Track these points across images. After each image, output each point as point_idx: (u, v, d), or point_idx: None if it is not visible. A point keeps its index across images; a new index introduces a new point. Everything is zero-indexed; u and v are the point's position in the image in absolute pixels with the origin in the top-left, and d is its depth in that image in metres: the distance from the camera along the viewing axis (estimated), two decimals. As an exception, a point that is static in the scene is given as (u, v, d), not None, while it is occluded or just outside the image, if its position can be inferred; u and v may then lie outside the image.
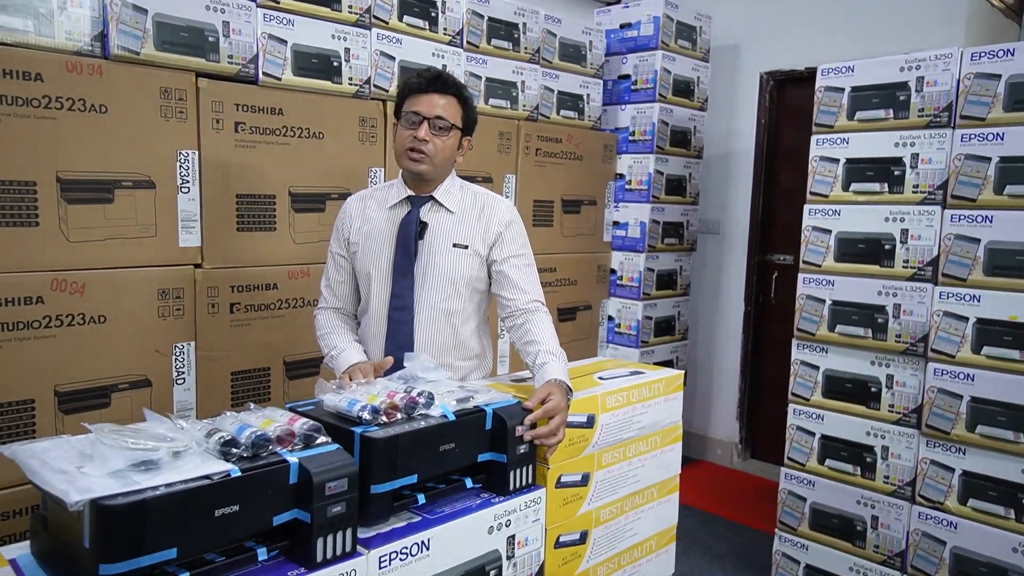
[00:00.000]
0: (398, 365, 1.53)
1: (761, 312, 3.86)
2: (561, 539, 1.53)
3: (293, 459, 1.06)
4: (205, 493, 0.97)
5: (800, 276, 2.46)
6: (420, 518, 1.24)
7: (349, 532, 1.09)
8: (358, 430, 1.19)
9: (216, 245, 2.14)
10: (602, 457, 1.62)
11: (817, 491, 2.42)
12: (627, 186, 3.53)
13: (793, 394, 2.49)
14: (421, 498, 1.27)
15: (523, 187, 3.08)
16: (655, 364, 2.80)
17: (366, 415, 1.21)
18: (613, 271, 3.58)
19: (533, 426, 1.39)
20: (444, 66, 2.72)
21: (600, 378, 1.73)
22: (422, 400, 1.29)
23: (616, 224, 3.56)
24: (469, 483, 1.35)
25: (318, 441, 1.12)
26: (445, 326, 1.69)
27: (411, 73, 1.70)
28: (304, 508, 1.06)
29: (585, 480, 1.58)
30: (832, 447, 2.39)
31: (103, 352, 1.95)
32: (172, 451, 1.02)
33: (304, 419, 1.14)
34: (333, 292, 1.78)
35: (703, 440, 4.00)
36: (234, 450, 1.04)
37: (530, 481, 1.40)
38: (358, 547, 1.12)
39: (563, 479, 1.51)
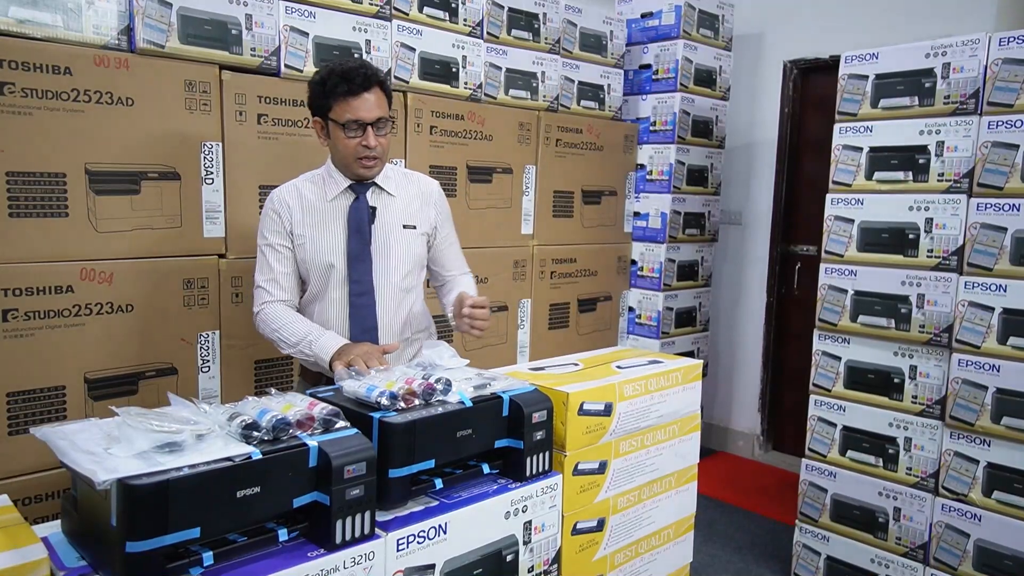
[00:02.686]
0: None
1: (783, 304, 3.84)
2: (578, 526, 1.54)
3: (313, 443, 1.08)
4: (227, 474, 0.99)
5: (822, 266, 2.44)
6: (438, 502, 1.26)
7: (367, 515, 1.11)
8: (376, 415, 1.21)
9: (240, 235, 2.18)
10: (620, 445, 1.63)
11: (839, 482, 2.41)
12: (648, 176, 3.52)
13: (815, 385, 2.47)
14: (439, 483, 1.28)
15: (543, 178, 3.08)
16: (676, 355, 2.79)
17: (384, 401, 1.23)
18: (634, 262, 3.57)
19: (549, 432, 1.41)
20: (464, 57, 2.73)
21: (618, 367, 1.74)
22: (440, 387, 1.31)
23: (637, 215, 3.55)
24: (486, 469, 1.36)
25: (337, 426, 1.14)
26: (403, 304, 1.79)
27: (327, 69, 1.67)
28: (323, 491, 1.08)
29: (603, 468, 1.59)
30: (854, 438, 2.38)
31: (131, 340, 1.99)
32: (195, 434, 1.04)
33: (324, 404, 1.16)
34: (279, 285, 1.76)
35: (725, 432, 3.99)
36: (255, 433, 1.06)
37: (547, 467, 1.41)
38: (376, 530, 1.14)
39: (580, 466, 1.52)
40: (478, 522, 1.28)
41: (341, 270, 1.73)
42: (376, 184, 1.76)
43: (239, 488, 1.00)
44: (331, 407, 1.16)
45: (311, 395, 1.34)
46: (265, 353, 2.25)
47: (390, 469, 1.19)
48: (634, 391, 1.65)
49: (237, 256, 2.18)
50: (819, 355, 2.46)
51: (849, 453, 2.39)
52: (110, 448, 1.00)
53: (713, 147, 3.62)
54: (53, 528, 1.11)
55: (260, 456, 1.02)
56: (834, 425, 2.42)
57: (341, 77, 1.63)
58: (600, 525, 1.59)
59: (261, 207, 2.21)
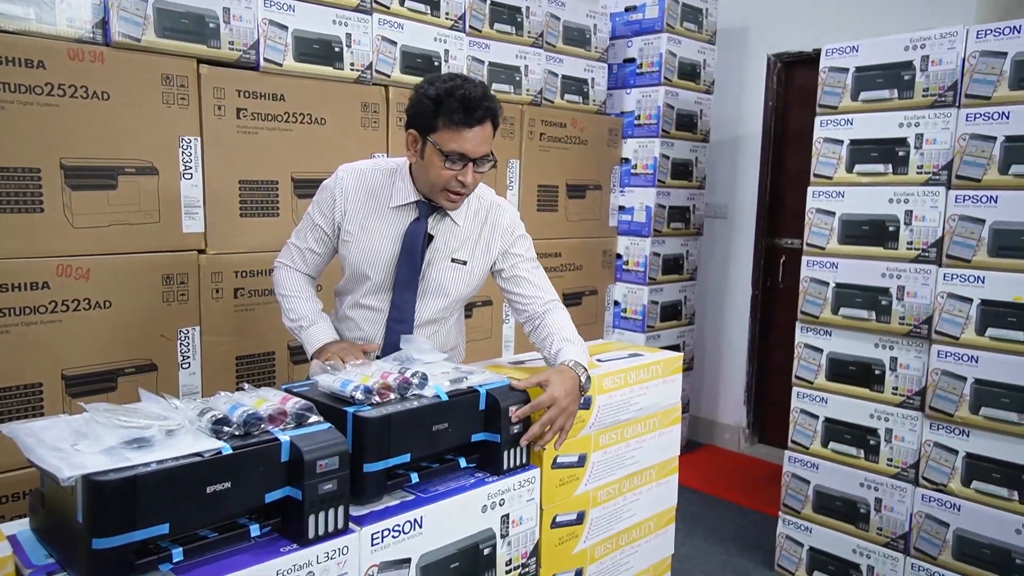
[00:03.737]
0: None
1: (769, 297, 3.85)
2: (558, 519, 1.54)
3: (285, 437, 1.08)
4: (196, 470, 0.98)
5: (804, 259, 2.45)
6: (413, 496, 1.26)
7: (341, 509, 1.11)
8: (351, 410, 1.20)
9: (219, 231, 2.16)
10: (599, 438, 1.63)
11: (821, 474, 2.42)
12: (632, 170, 3.52)
13: (797, 377, 2.49)
14: (414, 477, 1.28)
15: (527, 172, 3.08)
16: (661, 349, 2.79)
17: (359, 395, 1.23)
18: (619, 256, 3.57)
19: (527, 426, 1.39)
20: (446, 51, 2.72)
21: (599, 360, 1.73)
22: (415, 380, 1.30)
23: (622, 209, 3.55)
24: (463, 463, 1.36)
25: (310, 420, 1.14)
26: (429, 331, 1.69)
27: (445, 88, 1.47)
28: (296, 485, 1.07)
29: (582, 461, 1.59)
30: (836, 430, 2.39)
31: (109, 337, 1.98)
32: (165, 429, 1.03)
33: (296, 399, 1.15)
34: (304, 259, 1.69)
35: (711, 425, 4.00)
36: (226, 428, 1.05)
37: (524, 461, 1.41)
38: (351, 524, 1.13)
39: (559, 460, 1.52)
40: (455, 516, 1.28)
41: (383, 290, 1.64)
42: (443, 210, 1.62)
43: (209, 483, 1.00)
44: (304, 402, 1.15)
45: (285, 390, 1.33)
46: (246, 348, 2.24)
47: (365, 463, 1.19)
48: (613, 384, 1.65)
49: (217, 252, 2.16)
50: (801, 347, 2.47)
51: (831, 445, 2.40)
52: (77, 444, 0.99)
53: (698, 141, 3.62)
54: (22, 526, 1.10)
55: (230, 451, 1.02)
56: (816, 417, 2.43)
57: (461, 103, 1.44)
58: (580, 518, 1.60)
59: (241, 202, 2.21)
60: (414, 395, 1.29)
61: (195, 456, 0.99)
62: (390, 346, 1.62)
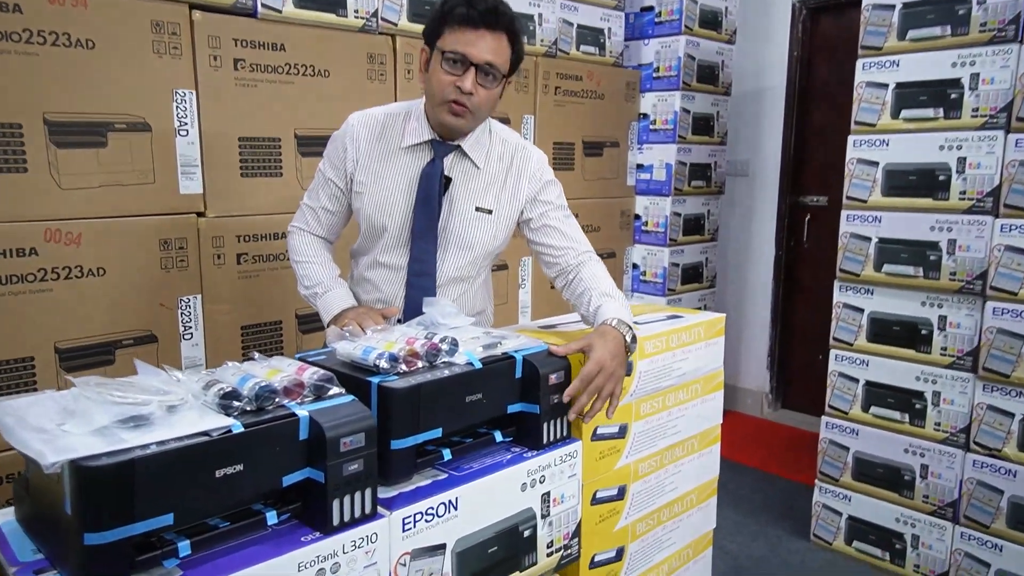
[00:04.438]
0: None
1: (793, 257, 3.70)
2: (598, 495, 1.41)
3: (303, 412, 0.94)
4: (203, 451, 0.85)
5: (843, 213, 2.29)
6: (446, 475, 1.13)
7: (368, 492, 0.97)
8: (375, 380, 1.06)
9: (219, 192, 2.01)
10: (640, 407, 1.49)
11: (861, 440, 2.30)
12: (651, 126, 3.35)
13: (835, 339, 2.35)
14: (447, 453, 1.15)
15: (542, 128, 2.91)
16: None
17: (383, 363, 1.09)
18: (637, 216, 3.42)
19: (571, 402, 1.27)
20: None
21: (637, 323, 1.59)
22: (445, 347, 1.16)
23: (640, 167, 3.39)
24: (499, 436, 1.23)
25: (331, 392, 1.00)
26: (455, 291, 1.54)
27: None
28: (317, 467, 0.94)
29: (623, 432, 1.46)
30: (878, 394, 2.26)
31: (104, 306, 1.84)
32: (166, 405, 0.90)
33: (315, 368, 1.02)
34: (317, 219, 1.55)
35: (733, 390, 3.88)
36: (236, 403, 0.92)
37: (565, 434, 1.27)
38: (379, 508, 1.00)
39: (599, 431, 1.39)
40: (492, 495, 1.14)
41: (401, 242, 1.49)
42: (461, 148, 1.48)
43: (218, 466, 0.86)
44: (323, 371, 1.01)
45: (300, 359, 1.19)
46: (252, 318, 2.11)
47: (392, 440, 1.06)
48: (655, 348, 1.51)
49: (218, 214, 2.01)
50: (840, 307, 2.33)
51: (872, 409, 2.27)
52: (64, 424, 0.85)
53: (719, 94, 3.44)
54: (7, 516, 0.97)
55: (242, 429, 0.88)
56: (856, 380, 2.30)
57: (466, 2, 1.34)
58: (621, 493, 1.47)
59: (242, 161, 2.05)
60: (444, 363, 1.15)
61: (202, 436, 0.85)
62: (412, 309, 1.48)
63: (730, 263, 3.85)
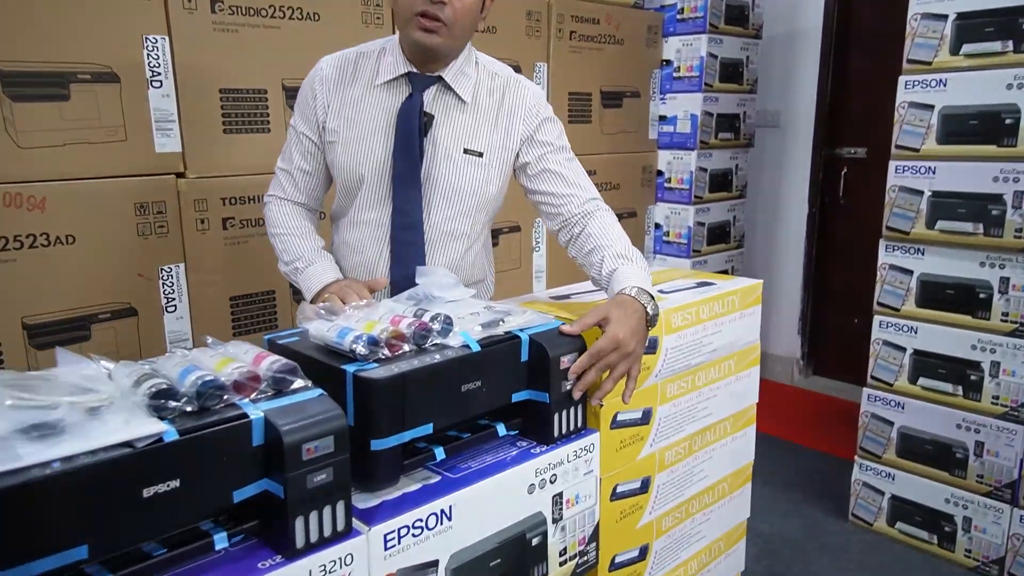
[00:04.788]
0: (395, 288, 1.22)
1: (827, 215, 3.46)
2: (619, 489, 1.24)
3: (257, 413, 0.77)
4: (126, 467, 0.68)
5: (892, 164, 2.06)
6: (439, 478, 0.96)
7: (340, 507, 0.81)
8: (351, 368, 0.89)
9: (200, 150, 1.83)
10: (666, 388, 1.31)
11: (908, 414, 2.10)
12: (675, 74, 3.09)
13: (880, 304, 2.14)
14: (440, 452, 0.98)
15: (556, 78, 2.68)
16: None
17: (361, 348, 0.91)
18: (660, 173, 3.19)
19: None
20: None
21: (661, 292, 1.40)
22: (436, 327, 0.98)
23: (663, 119, 3.15)
24: (502, 430, 1.05)
25: (294, 386, 0.83)
26: (449, 250, 1.34)
27: None
28: (275, 478, 0.77)
29: (647, 417, 1.28)
30: (927, 364, 2.05)
31: (76, 278, 1.68)
32: (85, 407, 0.73)
33: (275, 358, 0.84)
34: (293, 182, 1.37)
35: (762, 357, 3.68)
36: (171, 403, 0.74)
37: (580, 424, 1.09)
38: (355, 523, 0.84)
39: (620, 418, 1.21)
40: (494, 500, 0.97)
41: (382, 192, 1.29)
42: (443, 81, 1.28)
43: (146, 484, 0.70)
44: (285, 361, 0.84)
45: (269, 341, 1.02)
46: (241, 288, 1.94)
47: (372, 440, 0.89)
48: (683, 321, 1.32)
49: (199, 175, 1.83)
50: (886, 269, 2.11)
51: (921, 381, 2.07)
52: (-49, 434, 0.69)
53: (749, 36, 3.17)
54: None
55: (176, 436, 0.71)
56: (903, 349, 2.09)
57: None
58: (644, 486, 1.30)
59: (224, 115, 1.87)
60: (435, 345, 0.97)
61: (123, 448, 0.68)
62: (401, 279, 1.30)
63: (759, 222, 3.62)
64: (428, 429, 0.94)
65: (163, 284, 1.81)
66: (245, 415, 0.77)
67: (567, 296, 1.44)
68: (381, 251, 1.32)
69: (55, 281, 1.65)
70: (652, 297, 1.16)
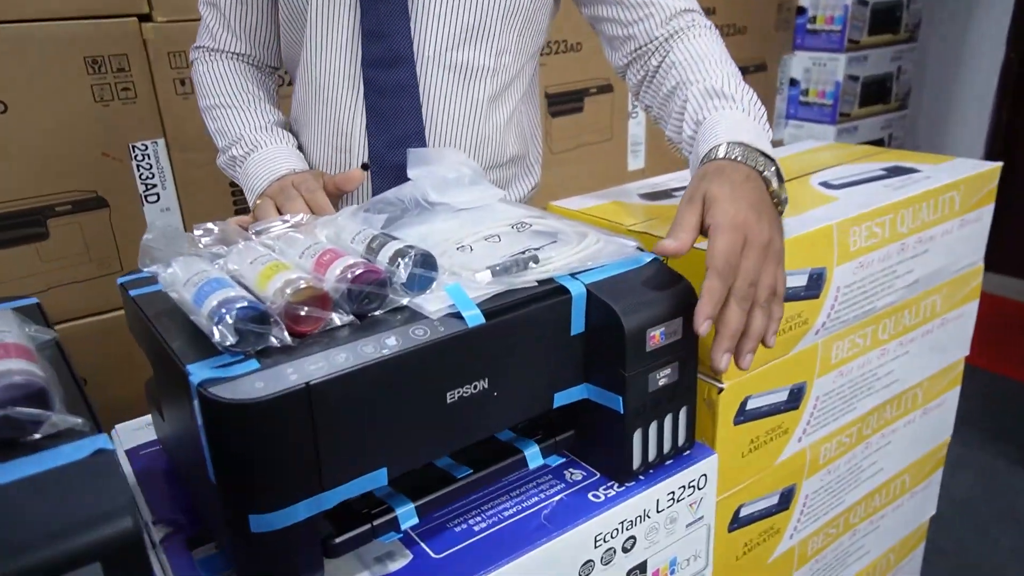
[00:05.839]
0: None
1: (1028, 61, 2.62)
2: (743, 513, 0.76)
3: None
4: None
5: None
6: (406, 560, 0.51)
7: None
8: (199, 373, 0.43)
9: (169, -19, 1.35)
10: (831, 350, 0.79)
11: None
12: None
13: None
14: (406, 518, 0.51)
15: None
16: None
17: (225, 331, 0.44)
18: (802, 10, 2.45)
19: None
20: None
21: (824, 184, 0.85)
22: (402, 272, 0.50)
23: (812, -66, 2.37)
24: (534, 456, 0.58)
25: (35, 437, 0.38)
26: (461, 100, 0.81)
27: None
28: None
29: (797, 398, 0.77)
30: None
31: (17, 160, 1.29)
32: None
33: (27, 371, 0.39)
34: (226, 23, 0.88)
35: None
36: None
37: (684, 440, 0.60)
38: None
39: (750, 405, 0.72)
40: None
41: (344, 9, 0.78)
42: None
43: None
44: (21, 379, 0.38)
45: (122, 288, 0.58)
46: (244, 170, 1.51)
47: (252, 514, 0.44)
48: (869, 238, 0.77)
49: (170, 18, 1.36)
50: None
51: None
52: None
53: None
54: None
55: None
56: None
57: None
58: (785, 500, 0.81)
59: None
60: (394, 313, 0.49)
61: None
62: (378, 123, 0.81)
63: (930, 74, 2.81)
64: (379, 479, 0.48)
65: (138, 167, 1.40)
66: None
67: (668, 193, 0.90)
68: (352, 108, 0.82)
69: (-11, 164, 1.26)
70: (773, 159, 0.63)
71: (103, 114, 1.34)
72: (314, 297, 0.47)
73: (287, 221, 0.60)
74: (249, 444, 0.42)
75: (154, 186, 1.42)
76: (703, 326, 0.51)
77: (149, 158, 1.40)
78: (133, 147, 1.38)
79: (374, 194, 0.79)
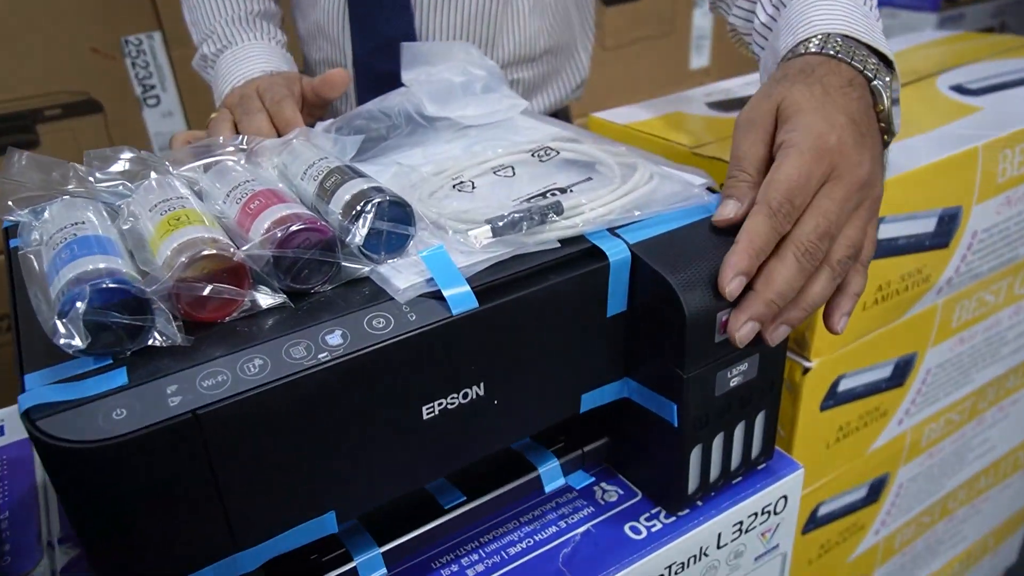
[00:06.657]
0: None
1: None
2: (822, 512, 0.61)
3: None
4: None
5: None
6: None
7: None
8: (32, 395, 0.28)
9: None
10: (952, 312, 0.61)
11: None
12: None
13: None
14: (371, 568, 0.37)
15: None
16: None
17: (74, 331, 0.29)
18: None
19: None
20: None
21: (959, 90, 0.65)
22: (360, 227, 0.34)
23: None
24: (553, 476, 0.43)
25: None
26: None
27: None
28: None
29: (903, 372, 0.60)
30: None
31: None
32: None
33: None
34: None
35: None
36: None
37: (760, 450, 0.44)
38: None
39: (843, 386, 0.55)
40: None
41: None
42: None
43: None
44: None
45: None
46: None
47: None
48: (1022, 166, 0.58)
49: None
50: None
51: None
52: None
53: None
54: None
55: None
56: None
57: None
58: (875, 492, 0.66)
59: None
60: (350, 288, 0.34)
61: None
62: (361, 20, 0.65)
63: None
64: (325, 526, 0.33)
65: (133, 64, 1.25)
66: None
67: (745, 99, 0.70)
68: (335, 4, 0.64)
69: (-36, 62, 1.13)
70: (886, 62, 0.43)
71: (90, 6, 1.18)
72: (222, 269, 0.32)
73: (224, 143, 0.44)
74: (108, 500, 0.28)
75: (152, 87, 1.27)
76: (732, 283, 0.34)
77: (145, 55, 1.25)
78: (126, 41, 1.22)
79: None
